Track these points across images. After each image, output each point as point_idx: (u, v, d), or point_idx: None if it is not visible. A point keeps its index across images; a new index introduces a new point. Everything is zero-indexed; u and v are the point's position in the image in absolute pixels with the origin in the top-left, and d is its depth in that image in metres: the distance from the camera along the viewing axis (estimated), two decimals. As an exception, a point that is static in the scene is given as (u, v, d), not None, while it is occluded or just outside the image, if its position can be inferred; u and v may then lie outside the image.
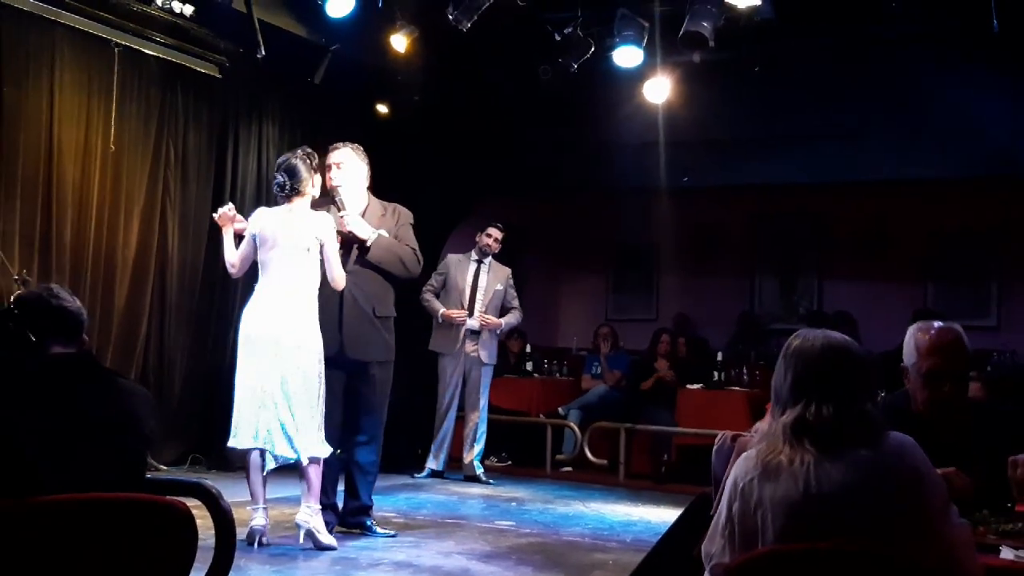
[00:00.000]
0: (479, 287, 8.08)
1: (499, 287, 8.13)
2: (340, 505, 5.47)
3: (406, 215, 5.63)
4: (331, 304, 5.25)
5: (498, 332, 8.22)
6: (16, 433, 2.38)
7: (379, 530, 5.46)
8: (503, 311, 8.21)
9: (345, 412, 5.40)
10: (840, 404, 2.22)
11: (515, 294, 8.24)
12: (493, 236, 8.13)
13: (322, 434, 4.98)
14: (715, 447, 3.42)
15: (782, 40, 7.65)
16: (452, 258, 8.23)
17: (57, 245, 6.73)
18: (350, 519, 5.46)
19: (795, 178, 9.03)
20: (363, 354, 5.34)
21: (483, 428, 8.19)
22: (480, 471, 8.13)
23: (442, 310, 8.03)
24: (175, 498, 2.60)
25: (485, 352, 8.11)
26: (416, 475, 8.04)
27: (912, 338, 3.00)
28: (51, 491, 2.30)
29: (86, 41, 6.91)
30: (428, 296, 8.09)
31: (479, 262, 8.13)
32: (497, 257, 8.29)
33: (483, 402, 8.14)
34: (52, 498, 2.29)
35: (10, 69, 6.45)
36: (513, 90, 8.59)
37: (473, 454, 8.18)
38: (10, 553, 2.24)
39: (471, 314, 8.07)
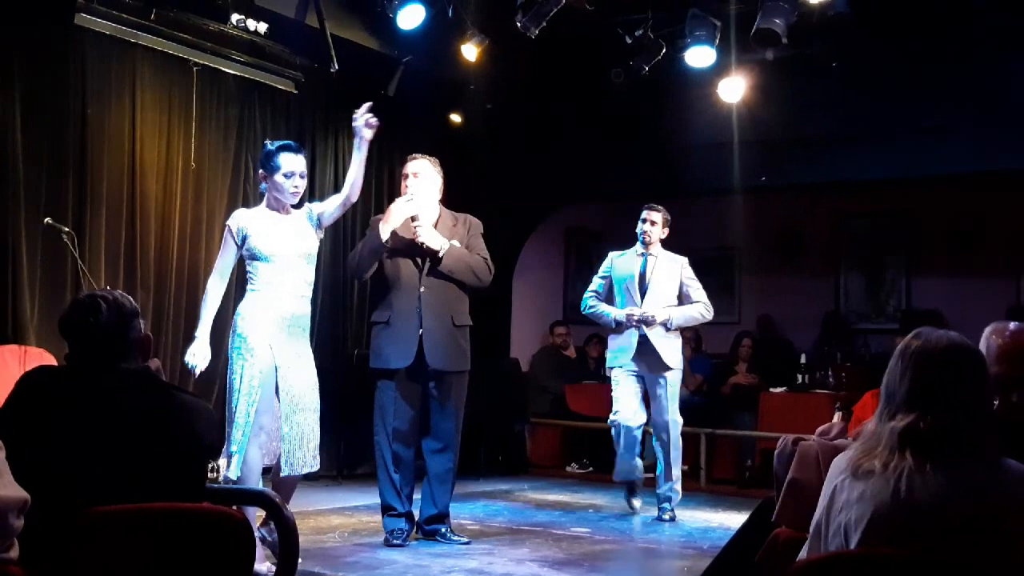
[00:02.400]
0: (647, 283, 6.65)
1: (670, 281, 6.66)
2: (416, 514, 5.50)
3: (477, 225, 5.66)
4: (410, 315, 5.31)
5: (668, 327, 6.59)
6: (73, 446, 2.46)
7: (454, 537, 5.48)
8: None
9: (421, 421, 5.45)
10: (959, 415, 2.11)
11: (697, 286, 6.71)
12: (648, 219, 6.67)
13: (233, 454, 4.49)
14: (776, 451, 3.39)
15: (859, 34, 7.48)
16: (614, 255, 6.86)
17: (141, 260, 6.92)
18: (426, 527, 5.49)
19: (878, 174, 8.81)
20: (443, 364, 5.37)
21: (675, 453, 6.68)
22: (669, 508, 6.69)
23: (615, 312, 6.65)
24: (232, 508, 2.65)
25: (663, 356, 6.57)
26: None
27: (985, 341, 2.85)
28: (108, 502, 2.36)
29: (165, 61, 7.11)
30: (594, 301, 6.78)
31: (644, 254, 6.69)
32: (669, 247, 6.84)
33: (669, 417, 6.57)
34: (110, 508, 2.35)
35: (93, 90, 6.68)
36: (584, 95, 8.57)
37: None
38: (70, 562, 2.31)
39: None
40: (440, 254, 5.35)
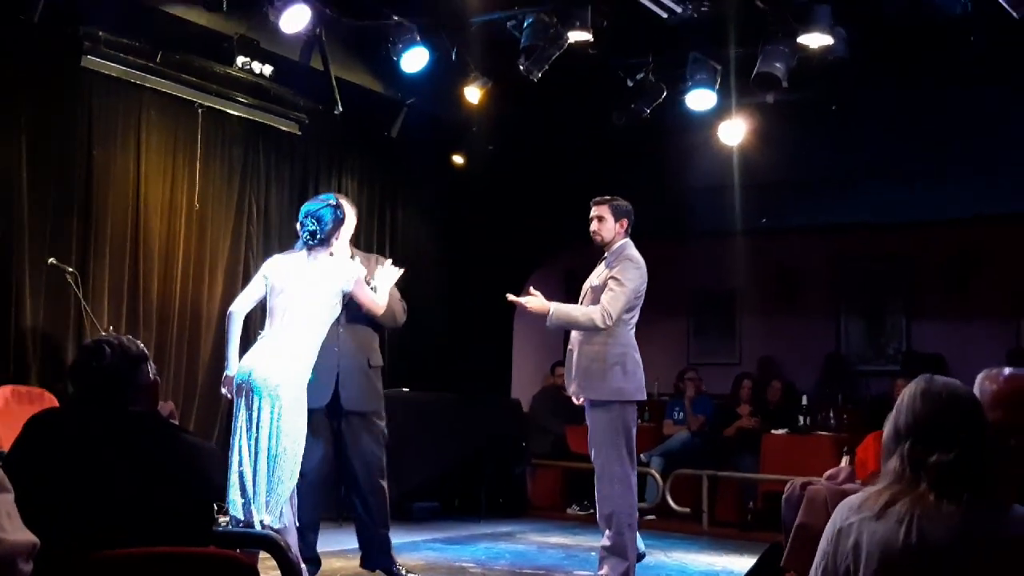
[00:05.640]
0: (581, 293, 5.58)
1: (596, 283, 5.39)
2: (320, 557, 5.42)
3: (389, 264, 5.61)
4: (328, 354, 5.06)
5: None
6: (80, 490, 2.46)
7: (404, 571, 5.43)
8: None
9: (341, 463, 5.37)
10: (967, 458, 2.14)
11: (615, 287, 5.24)
12: (594, 215, 5.52)
13: (276, 501, 4.46)
14: (784, 496, 3.38)
15: (857, 79, 7.56)
16: None
17: (144, 300, 6.94)
18: (367, 563, 5.43)
19: (876, 217, 8.88)
20: (358, 404, 5.32)
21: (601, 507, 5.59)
22: None
23: None
24: (238, 552, 2.65)
25: (583, 383, 5.36)
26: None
27: (979, 387, 2.82)
28: (114, 546, 2.35)
29: (171, 103, 7.17)
30: None
31: (602, 259, 5.55)
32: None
33: (599, 464, 5.44)
34: (116, 552, 2.35)
35: (99, 131, 6.73)
36: (586, 137, 8.64)
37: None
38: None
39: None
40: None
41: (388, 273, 5.16)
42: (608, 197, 5.58)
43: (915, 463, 2.14)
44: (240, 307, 4.83)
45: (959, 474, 2.11)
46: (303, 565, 4.28)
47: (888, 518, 2.09)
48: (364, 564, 5.42)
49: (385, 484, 5.43)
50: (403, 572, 5.45)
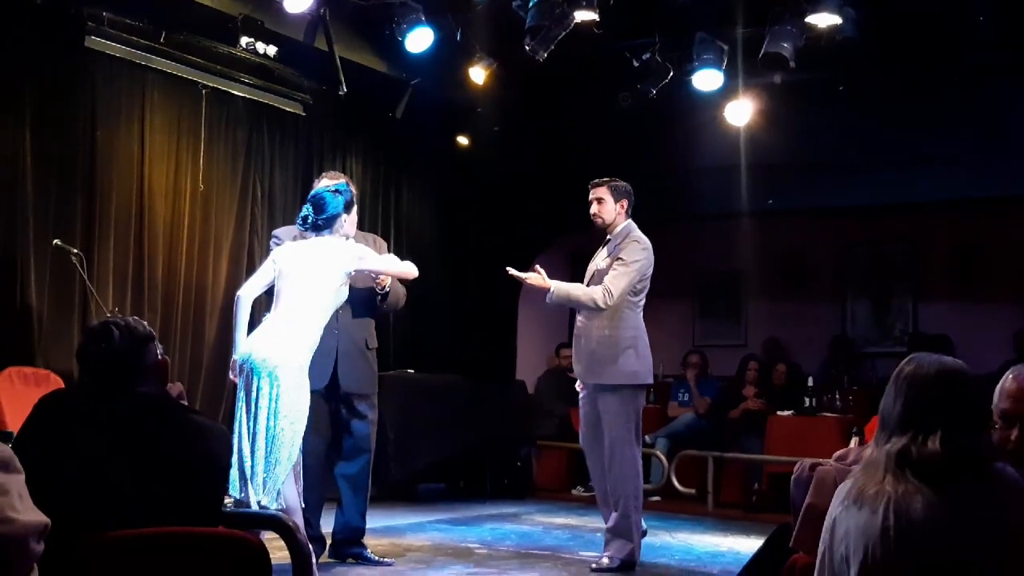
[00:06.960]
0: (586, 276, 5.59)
1: (602, 266, 5.42)
2: (326, 535, 5.37)
3: (384, 245, 5.57)
4: (328, 336, 4.93)
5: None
6: (89, 471, 2.45)
7: (373, 557, 5.34)
8: None
9: (336, 444, 5.32)
10: (950, 437, 2.09)
11: (620, 269, 5.30)
12: (593, 197, 5.54)
13: (273, 482, 4.40)
14: (793, 476, 3.36)
15: (866, 60, 7.51)
16: None
17: (149, 282, 6.93)
18: (344, 548, 5.36)
19: (883, 199, 8.83)
20: (356, 386, 5.29)
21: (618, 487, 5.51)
22: None
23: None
24: (249, 532, 2.64)
25: (592, 367, 5.42)
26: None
27: (1002, 380, 2.79)
28: (124, 526, 2.35)
29: (175, 84, 7.14)
30: None
31: (606, 241, 5.58)
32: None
33: (608, 447, 5.43)
34: (126, 532, 2.35)
35: (103, 112, 6.71)
36: (592, 118, 8.60)
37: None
38: (87, 587, 2.30)
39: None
40: (386, 289, 5.20)
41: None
42: (607, 179, 5.58)
43: (899, 457, 2.10)
44: (248, 291, 4.78)
45: (940, 461, 2.07)
46: (310, 546, 4.28)
47: (874, 505, 2.07)
48: (333, 553, 5.34)
49: (369, 473, 5.39)
50: (375, 558, 5.36)
